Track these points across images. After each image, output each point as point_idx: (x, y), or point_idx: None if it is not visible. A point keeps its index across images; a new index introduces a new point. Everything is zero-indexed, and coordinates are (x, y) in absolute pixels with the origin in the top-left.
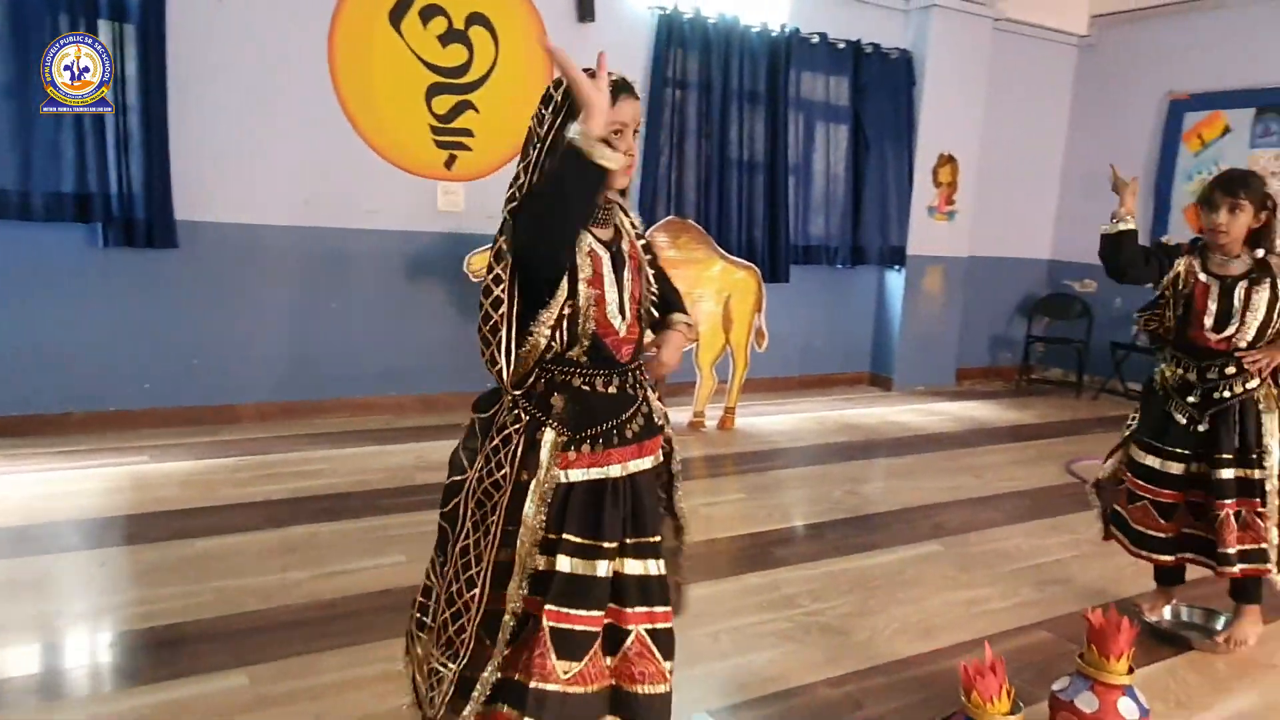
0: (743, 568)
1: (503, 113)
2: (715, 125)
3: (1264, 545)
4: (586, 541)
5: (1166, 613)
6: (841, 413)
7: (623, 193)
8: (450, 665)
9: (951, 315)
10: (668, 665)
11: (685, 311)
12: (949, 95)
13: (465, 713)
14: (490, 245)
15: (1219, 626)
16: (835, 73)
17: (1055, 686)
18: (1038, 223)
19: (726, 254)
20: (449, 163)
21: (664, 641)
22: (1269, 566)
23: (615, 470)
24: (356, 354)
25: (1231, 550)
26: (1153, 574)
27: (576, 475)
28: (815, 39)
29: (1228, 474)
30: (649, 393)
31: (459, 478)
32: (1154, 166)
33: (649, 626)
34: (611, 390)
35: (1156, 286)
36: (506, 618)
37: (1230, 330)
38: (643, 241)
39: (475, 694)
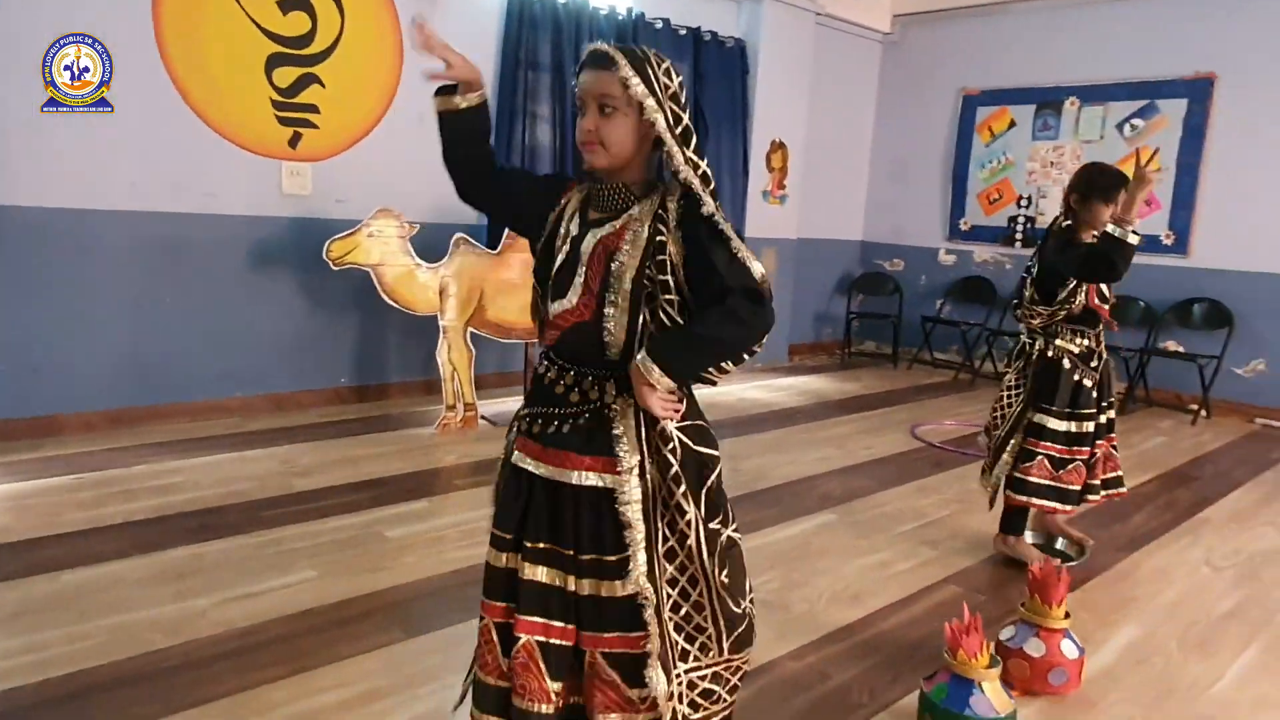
0: None
1: (350, 88)
2: (567, 108)
3: (1121, 472)
4: (494, 530)
5: (1029, 537)
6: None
7: (649, 182)
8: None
9: (783, 295)
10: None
11: (708, 334)
12: (779, 84)
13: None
14: (349, 231)
15: (1059, 547)
16: (677, 58)
17: (1003, 636)
18: (852, 206)
19: None
20: (293, 141)
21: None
22: (1124, 489)
23: (525, 463)
24: (195, 352)
25: (1098, 480)
26: (1003, 518)
27: (516, 457)
28: (659, 24)
29: (1103, 418)
30: (619, 408)
31: None
32: (951, 156)
33: (545, 639)
34: (548, 375)
35: None
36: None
37: (1111, 299)
38: (682, 232)
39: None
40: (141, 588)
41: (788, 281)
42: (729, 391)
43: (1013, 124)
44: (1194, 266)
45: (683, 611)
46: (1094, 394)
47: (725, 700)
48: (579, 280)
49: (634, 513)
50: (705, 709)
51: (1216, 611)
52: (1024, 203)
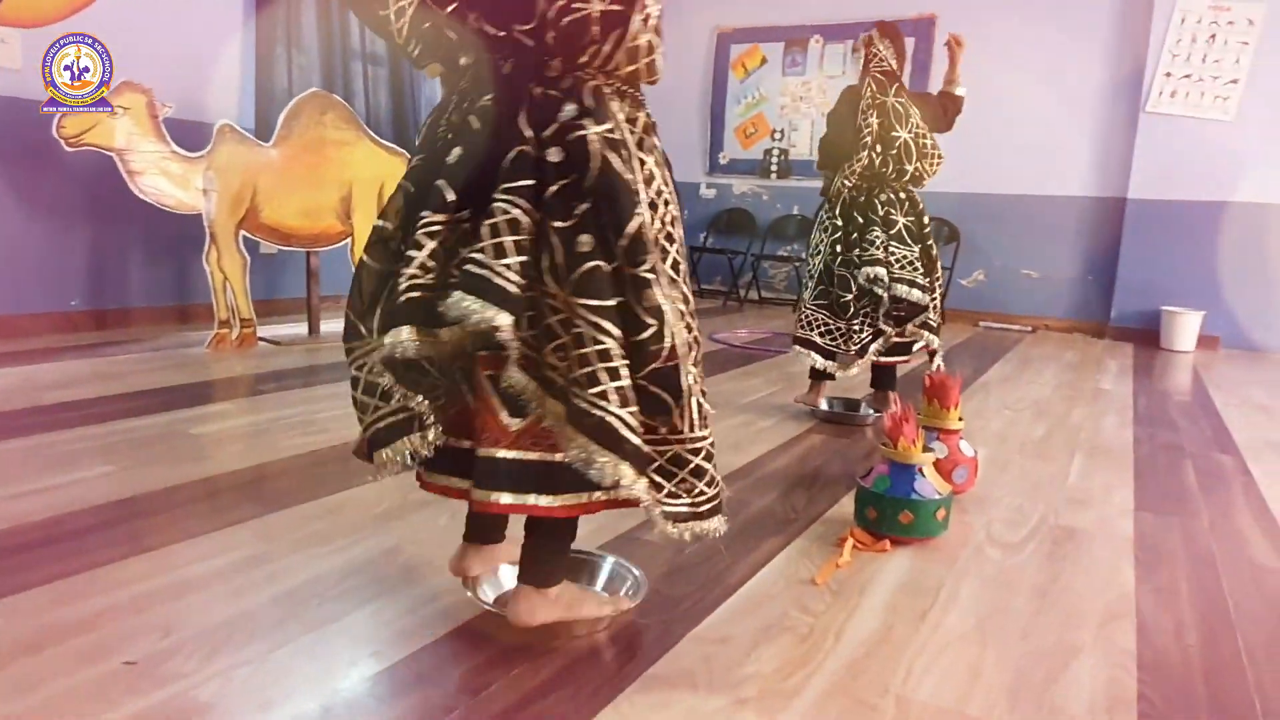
0: None
1: None
2: (333, 15)
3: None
4: None
5: (823, 404)
6: None
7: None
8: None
9: None
10: None
11: None
12: None
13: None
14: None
15: (862, 411)
16: None
17: None
18: None
19: (376, 136)
20: None
21: None
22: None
23: None
24: None
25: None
26: (809, 374)
27: None
28: None
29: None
30: None
31: None
32: (709, 93)
33: None
34: None
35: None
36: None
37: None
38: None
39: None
40: None
41: None
42: None
43: (764, 61)
44: (926, 190)
45: None
46: None
47: None
48: None
49: None
50: None
51: (1035, 436)
52: (777, 136)
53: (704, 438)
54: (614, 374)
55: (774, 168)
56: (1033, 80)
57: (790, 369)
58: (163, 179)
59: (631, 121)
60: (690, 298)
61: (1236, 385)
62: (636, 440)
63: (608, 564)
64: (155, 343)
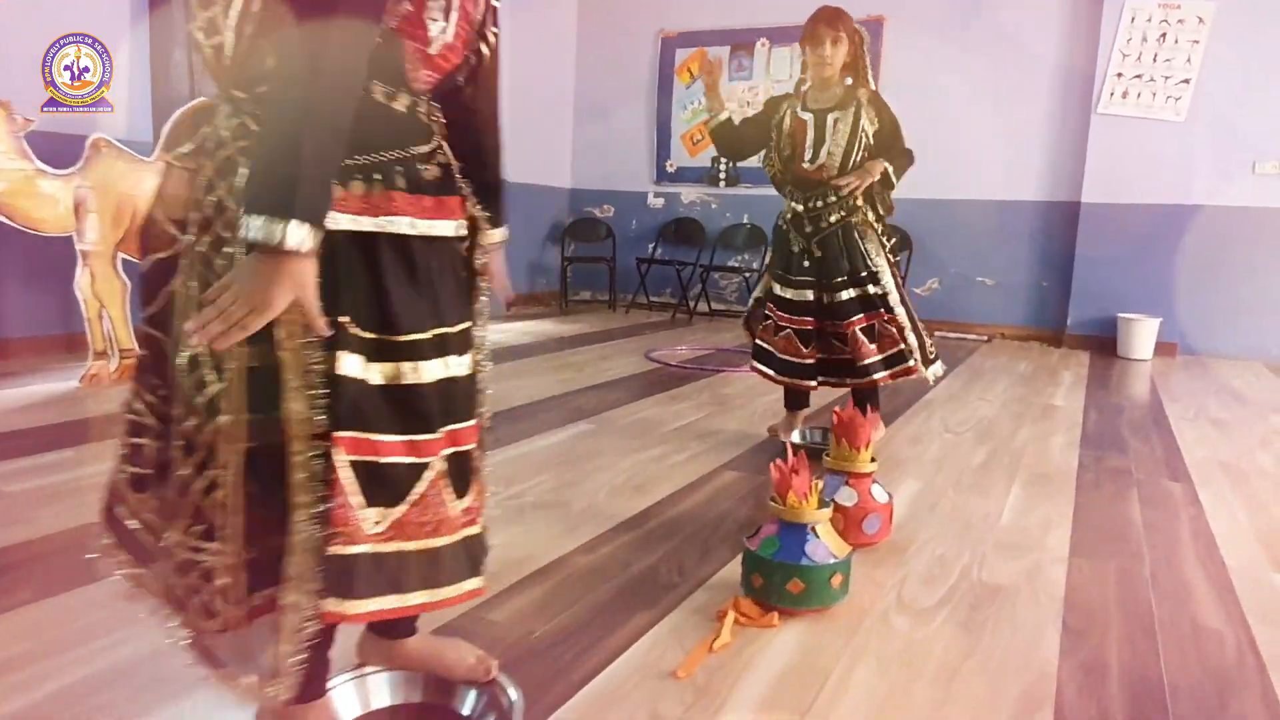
0: None
1: None
2: None
3: (902, 348)
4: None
5: (796, 435)
6: None
7: None
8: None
9: None
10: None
11: None
12: None
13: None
14: None
15: (803, 440)
16: None
17: None
18: (559, 153)
19: None
20: None
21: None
22: (912, 365)
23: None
24: None
25: (870, 360)
26: (784, 402)
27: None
28: None
29: (846, 295)
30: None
31: None
32: (655, 98)
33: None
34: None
35: (772, 141)
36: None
37: (821, 159)
38: None
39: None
40: None
41: None
42: None
43: None
44: None
45: None
46: (811, 263)
47: None
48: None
49: None
50: None
51: (974, 463)
52: None
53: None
54: None
55: (723, 175)
56: (982, 82)
57: (724, 390)
58: (29, 199)
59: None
60: None
61: (1192, 396)
62: None
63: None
64: (31, 377)
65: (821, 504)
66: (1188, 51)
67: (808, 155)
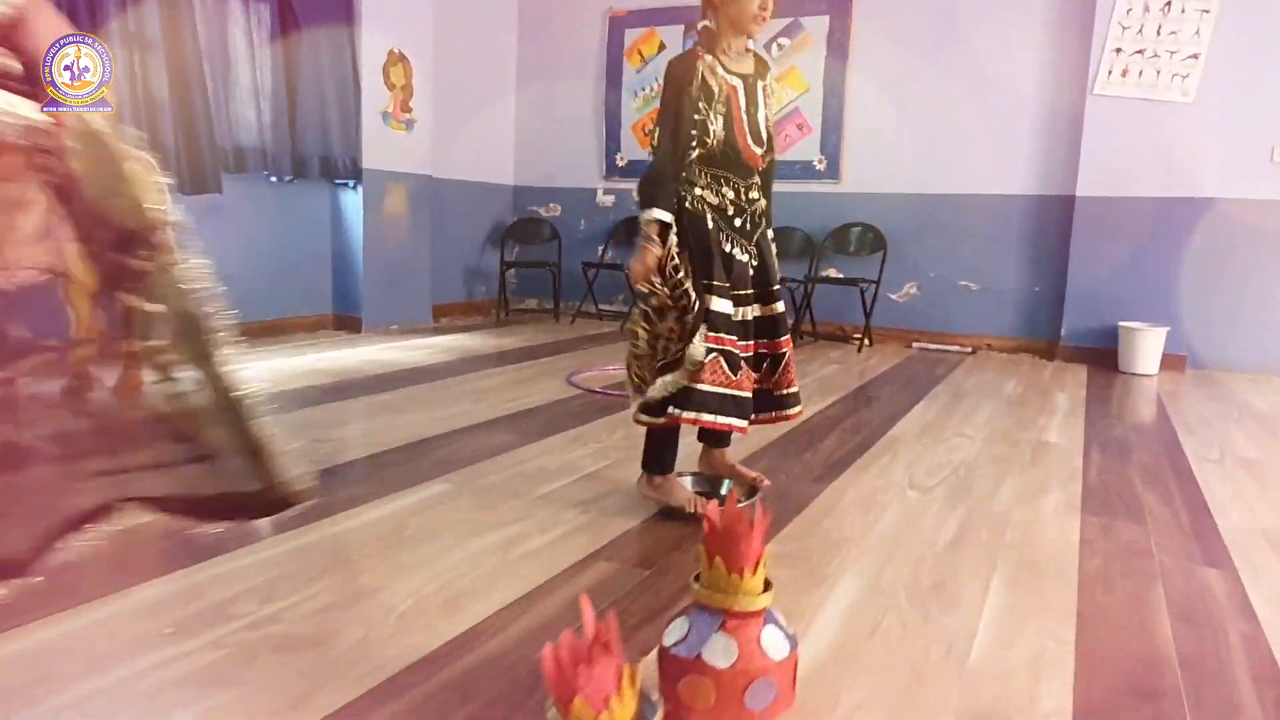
0: (147, 571)
1: None
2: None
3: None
4: None
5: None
6: (302, 359)
7: None
8: None
9: (421, 244)
10: None
11: None
12: None
13: None
14: None
15: (725, 490)
16: None
17: (668, 640)
18: (501, 147)
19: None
20: None
21: None
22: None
23: None
24: None
25: (796, 389)
26: (699, 435)
27: None
28: None
29: (781, 307)
30: None
31: None
32: (602, 84)
33: None
34: None
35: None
36: None
37: (764, 135)
38: None
39: None
40: None
41: (425, 226)
42: (344, 355)
43: (662, 47)
44: (847, 191)
45: None
46: (752, 271)
47: None
48: None
49: None
50: None
51: (941, 541)
52: None
53: None
54: None
55: None
56: (964, 63)
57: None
58: None
59: None
60: None
61: (1211, 425)
62: None
63: None
64: None
65: (645, 710)
66: (1196, 22)
67: (747, 130)
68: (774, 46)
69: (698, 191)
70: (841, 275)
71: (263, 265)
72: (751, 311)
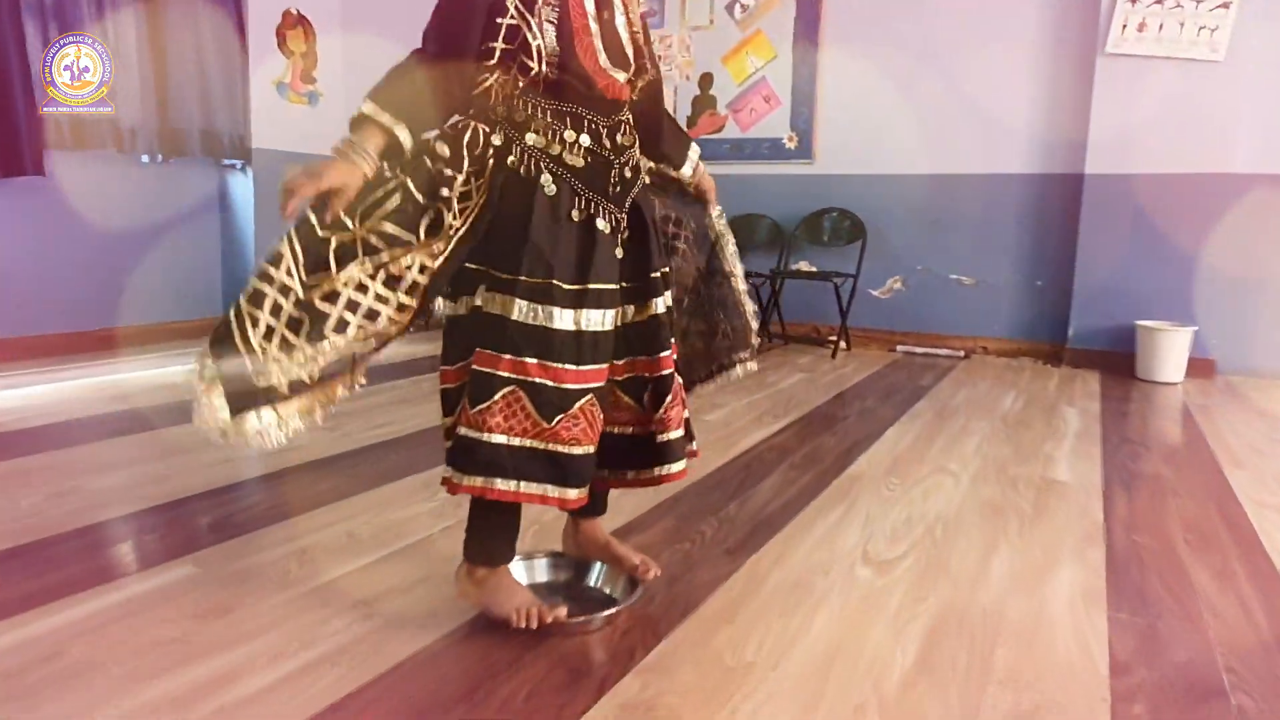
0: None
1: None
2: None
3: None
4: None
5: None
6: (146, 374)
7: None
8: None
9: None
10: None
11: None
12: None
13: None
14: None
15: (594, 580)
16: None
17: None
18: None
19: None
20: None
21: None
22: (695, 448)
23: None
24: None
25: (682, 432)
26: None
27: None
28: None
29: (663, 306)
30: None
31: None
32: None
33: None
34: None
35: None
36: None
37: (629, 54)
38: None
39: None
40: None
41: None
42: None
43: None
44: (821, 173)
45: None
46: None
47: None
48: None
49: None
50: None
51: (896, 670)
52: None
53: None
54: None
55: None
56: (954, 22)
57: None
58: None
59: None
60: None
61: (1263, 454)
62: None
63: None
64: None
65: None
66: None
67: (599, 46)
68: (736, 7)
69: (529, 140)
70: (815, 269)
71: (126, 262)
72: (618, 316)
